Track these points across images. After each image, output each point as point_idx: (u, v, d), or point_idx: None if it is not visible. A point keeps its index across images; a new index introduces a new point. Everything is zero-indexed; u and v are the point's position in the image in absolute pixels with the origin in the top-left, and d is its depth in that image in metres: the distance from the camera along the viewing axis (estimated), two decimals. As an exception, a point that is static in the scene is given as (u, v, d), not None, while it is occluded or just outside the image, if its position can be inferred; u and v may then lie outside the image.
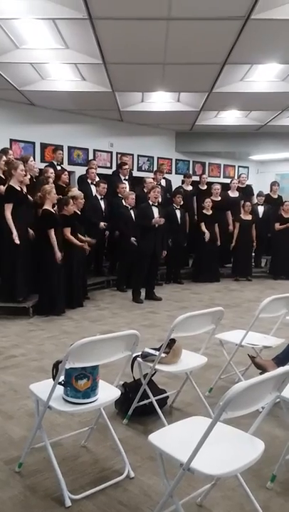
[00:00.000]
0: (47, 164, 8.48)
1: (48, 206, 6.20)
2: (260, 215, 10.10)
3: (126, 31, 5.63)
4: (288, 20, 5.18)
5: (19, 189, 6.03)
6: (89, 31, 5.63)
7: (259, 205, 10.22)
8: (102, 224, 8.02)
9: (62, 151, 9.25)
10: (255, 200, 10.39)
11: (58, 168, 8.38)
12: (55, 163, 8.60)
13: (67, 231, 6.55)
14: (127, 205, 8.09)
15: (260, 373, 3.36)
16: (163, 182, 9.77)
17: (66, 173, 7.95)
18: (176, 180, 10.63)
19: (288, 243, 9.81)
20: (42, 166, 8.36)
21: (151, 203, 7.40)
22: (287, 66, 6.90)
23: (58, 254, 6.13)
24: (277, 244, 9.93)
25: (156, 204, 7.43)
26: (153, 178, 9.12)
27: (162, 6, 4.94)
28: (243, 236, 9.64)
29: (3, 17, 5.35)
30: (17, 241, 5.87)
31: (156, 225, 7.28)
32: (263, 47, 6.05)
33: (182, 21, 5.33)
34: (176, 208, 8.92)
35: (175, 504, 1.88)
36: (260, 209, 10.20)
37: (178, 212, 8.93)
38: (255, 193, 10.81)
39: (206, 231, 9.17)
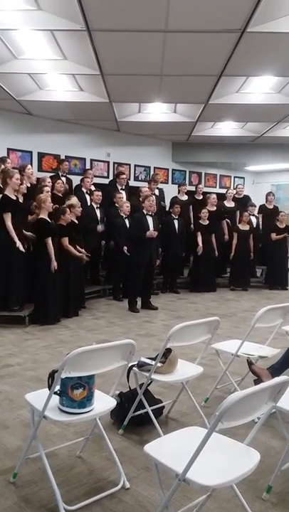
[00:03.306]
0: (53, 174, 8.53)
1: (43, 215, 6.22)
2: (254, 225, 10.13)
3: (123, 43, 5.69)
4: (284, 34, 5.25)
5: (14, 198, 6.05)
6: (87, 43, 5.69)
7: (251, 215, 10.25)
8: (99, 227, 8.01)
9: (68, 162, 9.25)
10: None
11: (64, 179, 8.43)
12: (60, 173, 8.65)
13: (65, 240, 6.57)
14: (122, 215, 8.12)
15: (254, 380, 3.37)
16: (156, 191, 9.81)
17: (59, 181, 7.97)
18: (173, 190, 10.67)
19: (283, 253, 9.90)
20: (39, 175, 8.39)
21: (145, 212, 7.43)
22: (282, 79, 6.97)
23: (54, 264, 6.14)
24: (272, 254, 9.97)
25: (150, 213, 7.45)
26: (149, 188, 9.15)
27: (159, 19, 5.00)
28: (240, 246, 9.67)
29: (1, 28, 5.40)
30: (22, 248, 5.91)
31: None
32: (258, 59, 6.12)
33: (179, 34, 5.39)
34: (174, 218, 8.95)
35: (170, 515, 1.88)
36: (253, 219, 10.24)
37: (175, 222, 8.96)
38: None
39: (200, 244, 9.16)
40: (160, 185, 10.18)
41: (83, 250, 7.00)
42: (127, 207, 8.10)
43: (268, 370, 3.37)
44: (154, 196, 7.90)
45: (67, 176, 8.88)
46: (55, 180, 7.97)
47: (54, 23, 5.25)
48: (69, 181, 8.73)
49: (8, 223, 5.89)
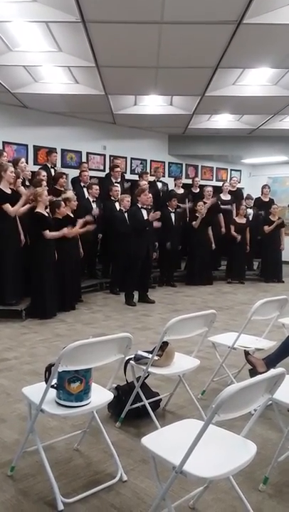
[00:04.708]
0: (41, 167, 8.48)
1: (40, 209, 6.19)
2: (250, 218, 10.15)
3: (119, 35, 5.65)
4: (280, 25, 5.22)
5: (9, 191, 6.02)
6: (82, 34, 5.64)
7: (248, 208, 10.26)
8: (94, 211, 7.94)
9: (56, 153, 9.23)
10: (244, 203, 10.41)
11: (52, 170, 8.39)
12: (49, 165, 8.61)
13: (64, 230, 6.55)
14: (122, 208, 8.07)
15: (250, 370, 3.39)
16: (159, 185, 9.82)
17: (64, 176, 7.95)
18: (169, 183, 10.64)
19: (277, 246, 9.91)
20: (35, 168, 8.35)
21: (140, 206, 7.41)
22: (278, 70, 6.94)
23: (66, 231, 6.35)
24: (266, 247, 10.00)
25: (145, 207, 7.43)
26: (145, 180, 9.15)
27: (155, 10, 4.96)
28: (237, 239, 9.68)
29: (-4, 20, 5.35)
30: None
31: (148, 228, 7.30)
32: (254, 51, 6.09)
33: (175, 25, 5.36)
34: (171, 212, 8.94)
35: (168, 507, 1.88)
36: (250, 212, 10.25)
37: (172, 216, 8.96)
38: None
39: (195, 222, 9.18)
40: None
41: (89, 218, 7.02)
42: (127, 201, 8.06)
43: (264, 361, 3.39)
44: (147, 189, 7.86)
45: (55, 168, 8.82)
46: (59, 174, 7.94)
47: (49, 14, 5.21)
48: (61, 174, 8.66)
49: (10, 209, 5.89)
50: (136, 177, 10.19)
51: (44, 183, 6.95)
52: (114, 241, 8.04)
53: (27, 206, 6.15)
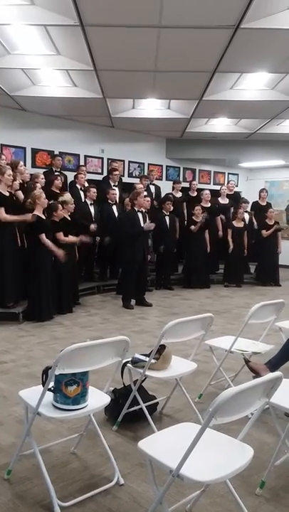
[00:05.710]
0: (46, 170, 8.50)
1: (38, 212, 6.19)
2: (246, 222, 10.16)
3: (117, 38, 5.67)
4: (277, 30, 5.24)
5: (7, 194, 6.02)
6: (80, 38, 5.65)
7: (245, 211, 10.26)
8: (92, 226, 7.96)
9: (60, 157, 9.22)
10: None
11: (57, 173, 8.41)
12: (54, 169, 8.62)
13: (60, 235, 6.55)
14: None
15: (254, 377, 3.38)
16: (152, 188, 9.81)
17: (58, 178, 7.95)
18: (166, 187, 10.67)
19: (273, 250, 9.92)
20: (33, 171, 8.35)
21: (136, 209, 7.42)
22: (276, 75, 6.97)
23: (60, 252, 6.27)
24: (263, 251, 10.01)
25: (141, 210, 7.43)
26: (142, 184, 9.15)
27: (153, 14, 4.98)
28: (235, 243, 9.71)
29: (-6, 23, 5.36)
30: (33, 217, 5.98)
31: (144, 231, 7.30)
32: (252, 56, 6.11)
33: (173, 29, 5.37)
34: (166, 215, 8.95)
35: (164, 511, 1.88)
36: (246, 216, 10.26)
37: (167, 219, 8.97)
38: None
39: (192, 227, 9.22)
40: (156, 183, 10.22)
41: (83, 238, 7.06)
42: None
43: (266, 365, 3.38)
44: (144, 192, 7.85)
45: (62, 171, 8.86)
46: (54, 176, 7.95)
47: (47, 18, 5.22)
48: (63, 176, 8.70)
49: (3, 214, 5.87)
50: (133, 180, 10.18)
51: (38, 185, 6.94)
52: (124, 244, 7.82)
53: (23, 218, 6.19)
